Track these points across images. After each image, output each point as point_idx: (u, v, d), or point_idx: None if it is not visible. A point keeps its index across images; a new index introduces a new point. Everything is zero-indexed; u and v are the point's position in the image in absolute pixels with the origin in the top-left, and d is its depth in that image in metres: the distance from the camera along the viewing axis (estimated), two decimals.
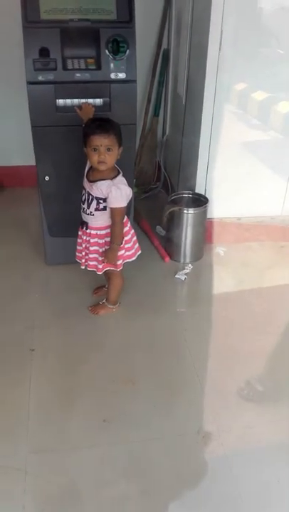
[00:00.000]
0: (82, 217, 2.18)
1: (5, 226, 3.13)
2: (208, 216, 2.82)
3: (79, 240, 2.25)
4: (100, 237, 2.16)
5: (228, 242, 2.98)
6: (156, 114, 3.47)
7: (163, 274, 2.72)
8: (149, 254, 2.81)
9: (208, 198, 2.78)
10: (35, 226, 2.80)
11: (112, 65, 2.24)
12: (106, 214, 2.10)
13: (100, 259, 2.19)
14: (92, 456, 1.71)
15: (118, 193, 2.02)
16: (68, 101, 2.25)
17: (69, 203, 2.37)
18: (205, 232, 2.85)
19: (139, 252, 2.29)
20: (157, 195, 3.51)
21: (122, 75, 2.27)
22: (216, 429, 1.81)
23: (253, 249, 2.97)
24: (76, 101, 2.25)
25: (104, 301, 2.38)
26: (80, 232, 2.23)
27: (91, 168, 2.09)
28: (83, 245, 2.22)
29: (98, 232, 2.16)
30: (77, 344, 2.20)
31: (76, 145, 2.11)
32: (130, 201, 2.14)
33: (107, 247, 2.16)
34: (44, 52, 2.18)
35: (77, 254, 2.29)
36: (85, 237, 2.20)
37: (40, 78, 2.20)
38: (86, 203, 2.12)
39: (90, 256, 2.20)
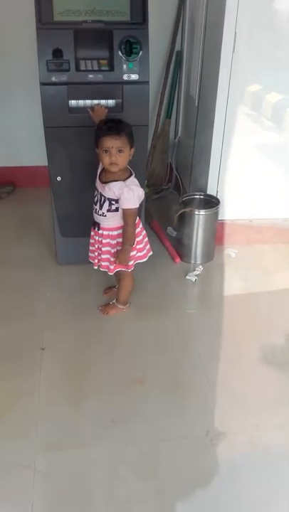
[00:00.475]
0: (95, 217, 2.19)
1: (17, 226, 3.15)
2: (220, 218, 2.82)
3: (91, 241, 2.26)
4: (112, 237, 2.17)
5: (240, 243, 2.97)
6: (168, 115, 3.47)
7: (173, 275, 2.72)
8: (160, 255, 2.81)
9: (220, 200, 2.77)
10: (46, 226, 2.82)
11: (124, 66, 2.25)
12: (118, 215, 2.11)
13: (112, 259, 2.20)
14: (100, 456, 1.72)
15: (130, 194, 2.02)
16: (81, 102, 2.26)
17: (81, 203, 2.38)
18: (216, 233, 2.84)
19: (151, 253, 2.29)
20: (169, 196, 3.51)
21: (134, 77, 2.27)
22: (225, 431, 1.81)
23: (264, 251, 2.95)
24: (89, 102, 2.26)
25: (114, 301, 2.39)
26: (92, 233, 2.24)
27: (104, 169, 2.10)
28: (96, 246, 2.23)
29: (110, 233, 2.16)
30: (87, 344, 2.21)
31: (88, 146, 2.12)
32: (142, 202, 2.15)
33: (119, 248, 2.16)
34: (57, 54, 2.19)
35: (90, 254, 2.30)
36: (97, 238, 2.21)
37: (54, 79, 2.22)
38: (98, 203, 2.13)
39: (103, 256, 2.21)
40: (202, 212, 2.69)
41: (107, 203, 2.09)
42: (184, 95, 3.39)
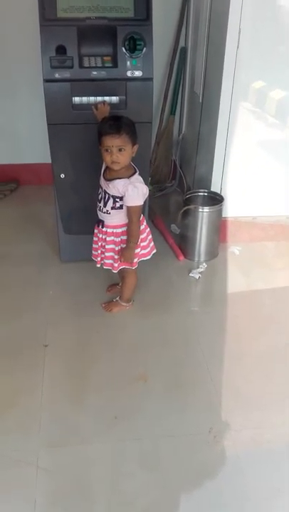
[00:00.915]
0: (99, 215, 2.18)
1: (20, 223, 3.16)
2: (224, 215, 2.81)
3: (95, 239, 2.25)
4: (116, 235, 2.17)
5: (243, 241, 2.96)
6: (172, 112, 3.46)
7: (177, 272, 2.72)
8: (164, 252, 2.80)
9: (224, 197, 2.77)
10: (50, 223, 2.82)
11: (128, 62, 2.24)
12: (122, 212, 2.10)
13: (116, 257, 2.19)
14: (103, 452, 1.72)
15: (135, 191, 2.02)
16: (84, 99, 2.26)
17: (84, 200, 2.38)
18: (220, 230, 2.83)
19: (154, 250, 2.29)
20: (172, 194, 3.51)
21: (138, 73, 2.26)
22: (228, 428, 1.81)
23: (268, 248, 2.94)
24: (92, 99, 2.25)
25: (117, 298, 2.39)
26: (96, 231, 2.24)
27: (108, 166, 2.09)
28: (99, 243, 2.23)
29: (114, 231, 2.16)
30: (90, 341, 2.22)
31: (92, 143, 2.11)
32: (146, 199, 2.14)
33: (123, 246, 2.16)
34: (61, 50, 2.18)
35: (93, 252, 2.30)
36: (101, 236, 2.20)
37: (57, 76, 2.21)
38: (102, 201, 2.13)
39: (106, 254, 2.21)
40: (206, 209, 2.68)
41: (111, 201, 2.09)
42: (188, 92, 3.37)
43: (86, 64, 2.23)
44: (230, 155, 2.72)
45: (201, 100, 2.96)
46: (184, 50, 3.32)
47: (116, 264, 2.21)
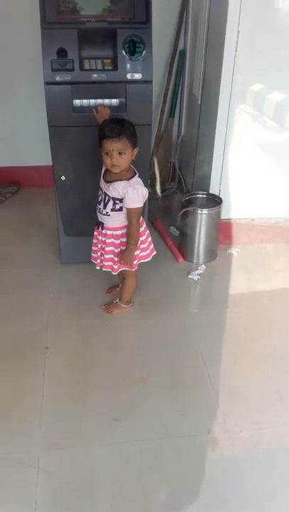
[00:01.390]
0: (98, 217, 2.19)
1: (21, 225, 3.16)
2: (222, 217, 2.82)
3: (94, 241, 2.26)
4: (116, 237, 2.18)
5: (242, 243, 2.97)
6: (171, 114, 3.48)
7: (176, 274, 2.73)
8: (163, 254, 2.81)
9: (223, 199, 2.78)
10: (50, 225, 2.83)
11: (128, 65, 2.26)
12: (122, 214, 2.11)
13: (116, 259, 2.20)
14: (103, 454, 1.73)
15: (134, 193, 2.03)
16: (85, 101, 2.27)
17: (85, 203, 2.39)
18: (219, 232, 2.84)
19: (154, 252, 2.30)
20: (172, 196, 3.52)
21: (138, 76, 2.28)
22: (227, 429, 1.82)
23: (266, 250, 2.96)
24: (93, 101, 2.27)
25: (117, 300, 2.40)
26: (95, 233, 2.24)
27: (107, 169, 2.10)
28: (99, 246, 2.24)
29: (114, 233, 2.17)
30: (91, 343, 2.22)
31: (92, 145, 2.12)
32: (145, 201, 2.15)
33: (123, 248, 2.17)
34: (62, 53, 2.20)
35: (92, 254, 2.30)
36: (100, 238, 2.21)
37: (58, 78, 2.22)
38: (102, 203, 2.13)
39: (106, 256, 2.22)
40: (205, 211, 2.69)
41: (111, 203, 2.10)
42: (187, 94, 3.39)
43: (86, 67, 2.24)
44: (228, 157, 2.74)
45: (199, 102, 2.98)
46: (182, 53, 3.33)
47: (115, 266, 2.22)
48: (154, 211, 3.14)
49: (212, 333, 2.33)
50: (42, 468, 1.65)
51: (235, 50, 2.44)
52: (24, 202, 3.48)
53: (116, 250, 2.20)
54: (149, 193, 2.21)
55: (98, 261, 2.27)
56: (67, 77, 2.23)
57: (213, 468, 1.71)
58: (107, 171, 2.12)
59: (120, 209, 2.10)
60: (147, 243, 2.26)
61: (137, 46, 2.23)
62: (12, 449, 1.73)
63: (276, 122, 2.72)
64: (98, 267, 2.28)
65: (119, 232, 2.17)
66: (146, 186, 2.15)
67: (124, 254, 2.15)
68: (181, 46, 3.31)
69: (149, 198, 2.23)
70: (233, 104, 2.58)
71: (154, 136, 3.39)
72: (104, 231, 2.18)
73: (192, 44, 3.17)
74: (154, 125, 3.07)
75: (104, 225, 2.17)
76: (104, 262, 2.24)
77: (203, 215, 2.70)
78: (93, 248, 2.29)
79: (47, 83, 2.23)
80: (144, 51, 2.24)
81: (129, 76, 2.27)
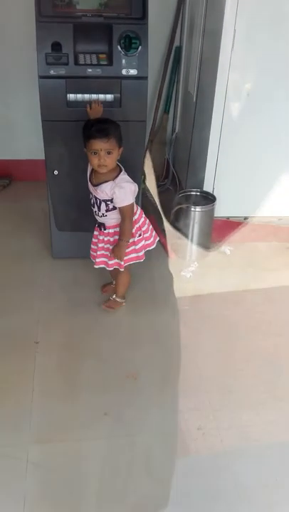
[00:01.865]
0: (97, 219, 2.20)
1: (13, 219, 3.15)
2: (216, 215, 2.82)
3: (94, 240, 2.26)
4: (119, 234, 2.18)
5: (235, 241, 2.98)
6: (166, 111, 3.47)
7: (168, 271, 2.73)
8: (156, 250, 2.80)
9: (216, 197, 2.78)
10: (42, 220, 2.82)
11: (123, 61, 2.25)
12: (118, 213, 2.12)
13: (126, 257, 2.20)
14: (93, 448, 1.73)
15: (122, 192, 2.04)
16: (79, 96, 2.26)
17: (77, 197, 2.39)
18: (212, 230, 2.85)
19: (158, 238, 2.32)
20: (165, 193, 3.51)
21: (133, 72, 2.27)
22: (216, 426, 1.82)
23: (259, 249, 2.97)
24: (87, 96, 2.26)
25: (114, 296, 2.40)
26: (96, 233, 2.24)
27: (93, 170, 2.11)
28: (99, 245, 2.23)
29: (117, 230, 2.17)
30: (81, 338, 2.22)
31: None
32: (138, 197, 2.14)
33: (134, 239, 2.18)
34: (56, 47, 2.19)
35: (92, 253, 2.30)
36: (103, 238, 2.21)
37: (52, 72, 2.21)
38: (96, 206, 2.15)
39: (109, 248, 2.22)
40: (198, 208, 2.70)
41: (103, 205, 2.11)
42: (182, 91, 3.38)
43: (81, 61, 2.23)
44: (223, 155, 2.74)
45: (195, 100, 2.98)
46: (178, 50, 3.33)
47: (110, 262, 2.23)
48: (148, 207, 3.13)
49: (203, 330, 2.34)
50: (31, 462, 1.65)
51: (232, 48, 2.44)
52: (16, 196, 3.46)
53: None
54: (142, 189, 2.21)
55: (98, 260, 2.26)
56: (61, 71, 2.22)
57: (202, 463, 1.72)
58: (92, 173, 2.12)
59: (114, 208, 2.10)
60: (150, 231, 2.27)
61: (132, 42, 2.22)
62: (1, 442, 1.73)
63: (271, 121, 2.73)
64: (97, 266, 2.28)
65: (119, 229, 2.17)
66: (138, 182, 2.14)
67: (115, 249, 2.15)
68: (177, 43, 3.31)
69: (142, 194, 2.23)
70: (229, 103, 2.58)
71: (149, 132, 3.39)
72: (107, 231, 2.18)
73: (188, 41, 3.17)
74: (148, 121, 3.06)
75: (106, 225, 2.18)
76: (109, 261, 2.24)
77: (196, 212, 2.70)
78: (93, 247, 2.29)
79: (41, 77, 2.22)
80: (140, 47, 2.24)
81: (124, 72, 2.27)
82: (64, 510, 1.55)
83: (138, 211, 2.21)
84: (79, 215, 2.31)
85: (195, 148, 3.03)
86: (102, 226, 2.19)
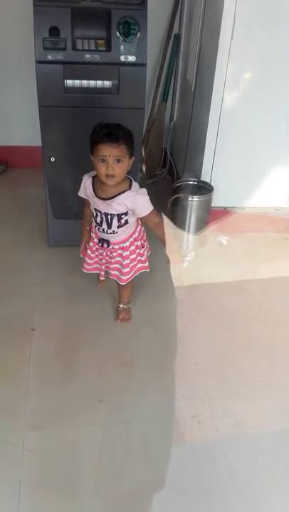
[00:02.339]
0: (100, 235, 2.02)
1: (8, 206, 3.13)
2: (213, 204, 2.82)
3: (92, 255, 2.10)
4: (125, 249, 2.03)
5: (232, 231, 2.98)
6: (164, 99, 3.45)
7: (165, 260, 2.72)
8: (152, 240, 2.80)
9: (214, 186, 2.77)
10: (38, 207, 2.80)
11: (122, 47, 2.22)
12: (130, 226, 1.98)
13: (124, 270, 2.05)
14: (89, 435, 1.74)
15: (145, 199, 1.88)
16: (77, 82, 2.24)
17: (74, 185, 2.35)
18: (209, 220, 2.84)
19: (149, 252, 2.19)
20: (162, 182, 3.50)
21: (131, 58, 2.25)
22: (212, 414, 1.83)
23: (256, 239, 2.97)
24: (85, 82, 2.24)
25: (121, 306, 2.26)
26: (96, 246, 2.07)
27: (98, 184, 1.91)
28: (103, 260, 2.08)
29: (123, 245, 2.02)
30: (77, 325, 2.22)
31: (83, 127, 2.08)
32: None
33: (133, 256, 2.05)
34: (54, 32, 2.16)
35: (87, 267, 2.15)
36: (105, 253, 2.05)
37: (50, 58, 2.19)
38: (105, 224, 1.94)
39: (112, 266, 2.09)
40: (195, 198, 2.68)
41: (115, 220, 1.91)
42: (181, 79, 3.36)
43: (79, 47, 2.21)
44: (221, 145, 2.72)
45: (193, 88, 2.95)
46: (177, 37, 3.29)
47: (124, 277, 2.08)
48: None
49: (200, 319, 2.34)
50: (27, 448, 1.66)
51: (231, 37, 2.42)
52: (12, 183, 3.44)
53: (124, 262, 2.05)
54: (139, 177, 2.18)
55: (103, 273, 2.13)
56: (59, 56, 2.19)
57: (197, 451, 1.72)
58: (97, 186, 1.91)
59: (127, 222, 1.94)
60: (145, 256, 2.13)
61: (131, 28, 2.20)
62: None
63: (270, 111, 2.71)
64: (103, 278, 2.16)
65: (127, 243, 2.01)
66: (136, 171, 2.12)
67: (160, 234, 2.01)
68: (176, 30, 3.28)
69: (139, 182, 2.20)
70: (228, 91, 2.56)
71: (147, 120, 3.36)
72: (110, 247, 2.02)
73: (187, 29, 3.14)
74: (146, 109, 3.04)
75: (111, 242, 2.00)
76: (110, 271, 2.10)
77: (193, 202, 2.69)
78: (89, 261, 2.12)
79: (38, 62, 2.19)
80: (139, 33, 2.21)
81: (122, 58, 2.24)
82: (60, 497, 1.55)
83: (142, 231, 2.08)
84: (76, 203, 2.29)
85: (193, 137, 3.02)
86: (105, 242, 2.01)
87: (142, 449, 1.70)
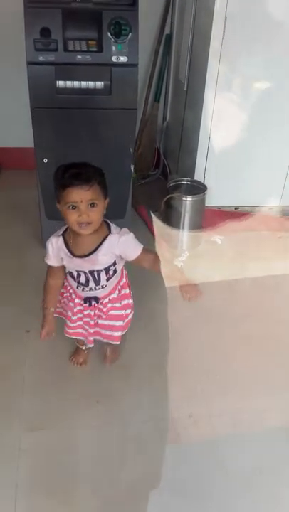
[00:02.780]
0: (86, 295, 1.73)
1: (2, 208, 3.12)
2: (206, 204, 2.82)
3: (80, 315, 1.80)
4: (114, 301, 1.78)
5: (225, 231, 2.98)
6: (156, 99, 3.45)
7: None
8: (146, 240, 2.79)
9: (207, 186, 2.78)
10: (32, 209, 2.79)
11: (113, 47, 2.23)
12: (117, 276, 1.74)
13: (117, 324, 1.80)
14: (85, 436, 1.73)
15: (130, 238, 1.62)
16: (69, 83, 2.24)
17: None
18: (202, 219, 2.85)
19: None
20: (156, 182, 3.50)
21: (123, 59, 2.25)
22: (208, 413, 1.84)
23: (249, 239, 2.97)
24: (77, 83, 2.24)
25: (108, 352, 2.00)
26: (78, 308, 1.77)
27: (70, 241, 1.61)
28: (92, 322, 1.80)
29: (111, 297, 1.76)
30: None
31: (75, 128, 2.10)
32: (129, 188, 2.08)
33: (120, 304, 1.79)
34: (45, 33, 2.16)
35: (71, 331, 1.83)
36: (94, 312, 1.77)
37: (41, 59, 2.19)
38: (92, 282, 1.67)
39: (103, 324, 1.81)
40: (189, 198, 2.69)
41: (103, 274, 1.66)
42: (173, 79, 3.36)
43: (71, 47, 2.21)
44: (214, 144, 2.73)
45: (185, 88, 2.96)
46: (169, 37, 3.30)
47: (116, 334, 1.82)
48: (138, 197, 3.12)
49: (194, 318, 2.34)
50: (23, 450, 1.65)
51: (223, 36, 2.43)
52: (5, 184, 3.43)
53: (116, 313, 1.80)
54: (132, 178, 2.18)
55: (91, 338, 1.85)
56: (50, 57, 2.19)
57: (194, 450, 1.72)
58: (72, 244, 1.61)
59: (115, 271, 1.70)
60: (131, 299, 1.85)
61: (122, 29, 2.20)
62: None
63: (263, 110, 2.72)
64: (92, 345, 1.90)
65: (115, 295, 1.77)
66: (129, 171, 2.11)
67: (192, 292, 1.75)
68: (167, 30, 3.28)
69: (132, 183, 2.20)
70: (220, 91, 2.57)
71: (139, 120, 3.36)
72: (99, 304, 1.75)
73: (179, 29, 3.15)
74: (138, 110, 3.03)
75: (100, 297, 1.74)
76: (102, 332, 1.82)
77: (187, 202, 2.69)
78: (71, 325, 1.82)
79: (29, 63, 2.19)
80: (130, 34, 2.22)
81: (114, 59, 2.25)
82: (56, 498, 1.55)
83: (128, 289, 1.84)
84: None
85: (186, 137, 3.02)
86: (93, 300, 1.74)
87: (139, 450, 1.70)
